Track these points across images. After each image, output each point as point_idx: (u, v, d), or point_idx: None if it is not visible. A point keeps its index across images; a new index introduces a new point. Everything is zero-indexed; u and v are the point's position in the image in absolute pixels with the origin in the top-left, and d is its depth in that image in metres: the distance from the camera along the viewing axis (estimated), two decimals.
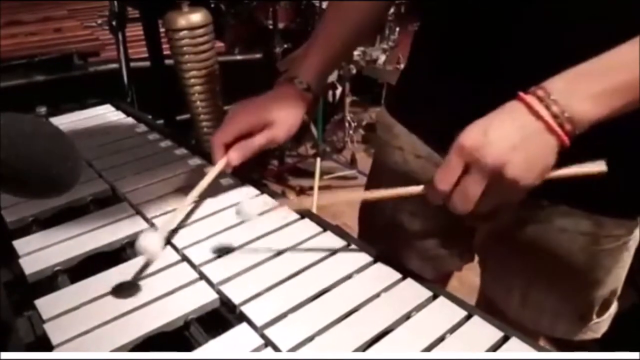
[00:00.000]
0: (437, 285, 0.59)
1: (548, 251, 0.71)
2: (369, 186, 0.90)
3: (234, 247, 0.64)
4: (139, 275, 0.59)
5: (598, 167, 0.54)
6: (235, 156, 0.70)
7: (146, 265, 0.60)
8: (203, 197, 0.72)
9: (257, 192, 0.76)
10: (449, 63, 0.71)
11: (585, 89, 0.52)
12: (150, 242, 0.55)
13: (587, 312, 0.75)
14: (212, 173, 0.70)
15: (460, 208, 0.54)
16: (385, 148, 0.85)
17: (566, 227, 0.68)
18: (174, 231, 0.67)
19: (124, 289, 0.57)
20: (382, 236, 0.83)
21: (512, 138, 0.52)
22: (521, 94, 0.53)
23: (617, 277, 0.74)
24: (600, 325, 0.77)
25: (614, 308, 0.78)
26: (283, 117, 0.72)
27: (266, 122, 0.71)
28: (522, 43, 0.61)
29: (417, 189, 0.58)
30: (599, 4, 0.56)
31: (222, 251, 0.63)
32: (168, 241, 0.65)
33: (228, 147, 0.71)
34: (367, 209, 0.89)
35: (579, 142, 0.52)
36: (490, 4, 0.63)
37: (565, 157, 0.54)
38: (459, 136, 0.53)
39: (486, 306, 0.79)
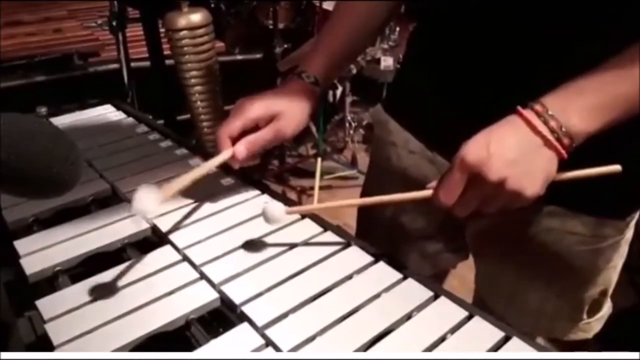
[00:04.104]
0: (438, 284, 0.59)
1: (535, 250, 0.71)
2: (366, 183, 0.91)
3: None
4: (140, 275, 0.59)
5: (612, 167, 0.56)
6: (242, 149, 0.68)
7: (146, 266, 0.60)
8: (204, 197, 0.71)
9: (258, 192, 0.76)
10: (441, 63, 0.72)
11: (581, 103, 0.54)
12: (146, 201, 0.53)
13: (576, 312, 0.75)
14: (217, 160, 0.67)
15: (463, 215, 0.57)
16: (379, 144, 0.85)
17: (554, 226, 0.68)
18: (173, 231, 0.67)
19: (126, 289, 0.57)
20: (382, 233, 0.84)
21: (512, 152, 0.54)
22: (520, 108, 0.55)
23: (607, 277, 0.74)
24: (592, 325, 0.77)
25: (607, 309, 0.78)
26: (290, 110, 0.70)
27: (273, 114, 0.69)
28: (512, 46, 0.62)
29: (421, 194, 0.59)
30: (587, 18, 0.57)
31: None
32: (169, 241, 0.65)
33: (234, 141, 0.69)
34: (367, 207, 0.89)
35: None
36: (481, 10, 0.63)
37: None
38: (461, 150, 0.55)
39: (478, 305, 0.79)
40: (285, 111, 0.69)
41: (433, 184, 0.58)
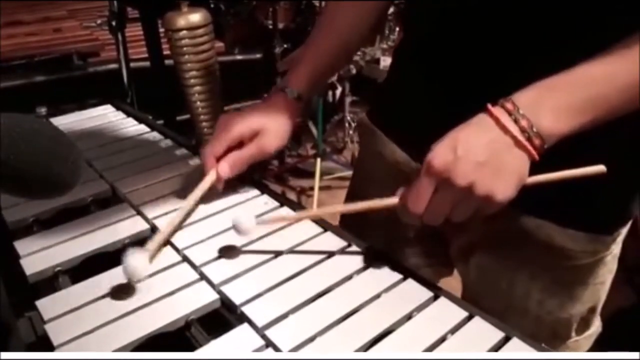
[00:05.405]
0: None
1: (521, 266, 0.69)
2: (350, 190, 0.90)
3: (237, 247, 0.63)
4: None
5: (597, 168, 0.54)
6: (225, 168, 0.69)
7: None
8: (203, 197, 0.71)
9: (258, 192, 0.76)
10: (426, 74, 0.71)
11: (553, 103, 0.52)
12: (134, 264, 0.55)
13: (563, 329, 0.73)
14: (202, 187, 0.69)
15: (433, 223, 0.55)
16: (365, 152, 0.84)
17: (540, 241, 0.66)
18: (174, 232, 0.66)
19: (125, 290, 0.57)
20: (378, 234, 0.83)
21: (480, 154, 0.52)
22: (489, 106, 0.53)
23: (595, 293, 0.71)
24: (580, 343, 0.75)
25: (596, 327, 0.76)
26: (273, 125, 0.71)
27: (256, 130, 0.70)
28: (497, 57, 0.61)
29: (389, 201, 0.58)
30: (570, 21, 0.56)
31: (225, 251, 0.63)
32: (168, 241, 0.65)
33: (219, 159, 0.70)
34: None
35: (555, 156, 0.52)
36: (465, 21, 0.63)
37: (539, 169, 0.54)
38: (428, 155, 0.53)
39: None
40: (268, 127, 0.70)
41: (401, 191, 0.57)
